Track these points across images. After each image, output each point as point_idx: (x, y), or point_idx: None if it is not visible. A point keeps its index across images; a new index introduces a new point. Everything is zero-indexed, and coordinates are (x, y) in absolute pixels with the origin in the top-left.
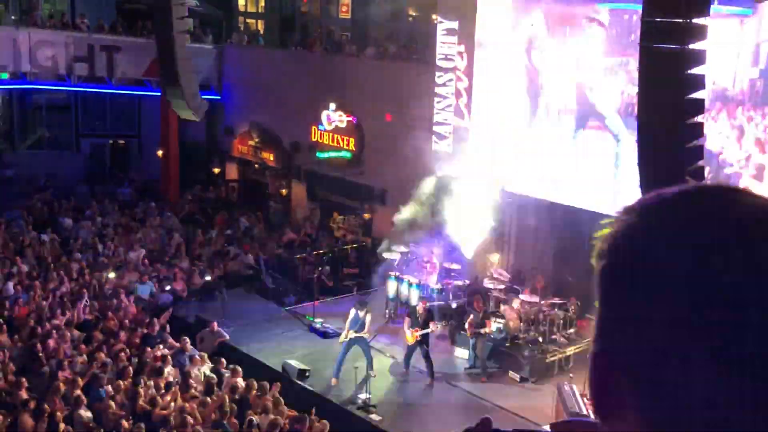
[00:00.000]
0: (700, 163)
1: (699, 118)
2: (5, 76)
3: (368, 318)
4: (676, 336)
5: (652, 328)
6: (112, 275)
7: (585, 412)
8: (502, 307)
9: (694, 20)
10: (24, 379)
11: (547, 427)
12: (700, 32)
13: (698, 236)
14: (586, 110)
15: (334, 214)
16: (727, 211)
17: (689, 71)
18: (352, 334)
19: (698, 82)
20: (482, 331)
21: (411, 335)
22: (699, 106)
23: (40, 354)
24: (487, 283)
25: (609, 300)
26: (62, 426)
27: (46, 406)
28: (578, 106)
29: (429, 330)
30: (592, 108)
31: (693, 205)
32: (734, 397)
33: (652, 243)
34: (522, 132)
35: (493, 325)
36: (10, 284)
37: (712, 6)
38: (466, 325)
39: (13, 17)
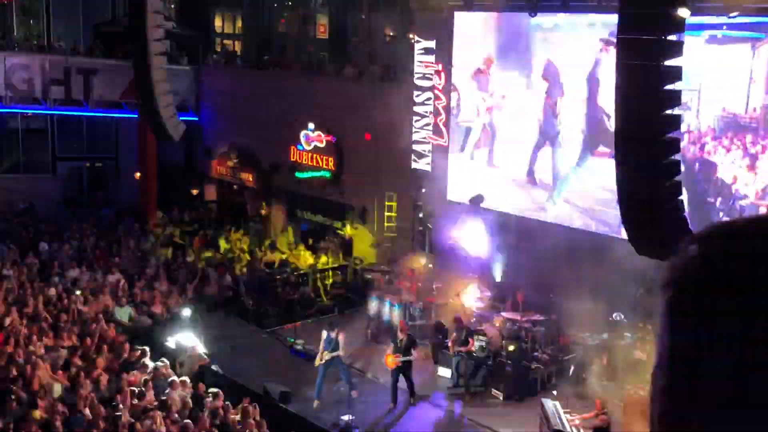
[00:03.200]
0: (677, 178)
1: (674, 134)
2: None
3: (341, 337)
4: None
5: (728, 357)
6: (90, 299)
7: (568, 429)
8: (484, 325)
9: (668, 37)
10: None
11: None
12: (675, 49)
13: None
14: (597, 135)
15: (327, 238)
16: None
17: (665, 87)
18: (327, 355)
19: (674, 98)
20: (465, 349)
21: (391, 360)
22: (675, 122)
23: (16, 380)
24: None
25: (678, 329)
26: None
27: None
28: (589, 131)
29: (410, 357)
30: (606, 133)
31: (759, 234)
32: None
33: (729, 271)
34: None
35: (476, 344)
36: None
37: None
38: (449, 343)
39: None
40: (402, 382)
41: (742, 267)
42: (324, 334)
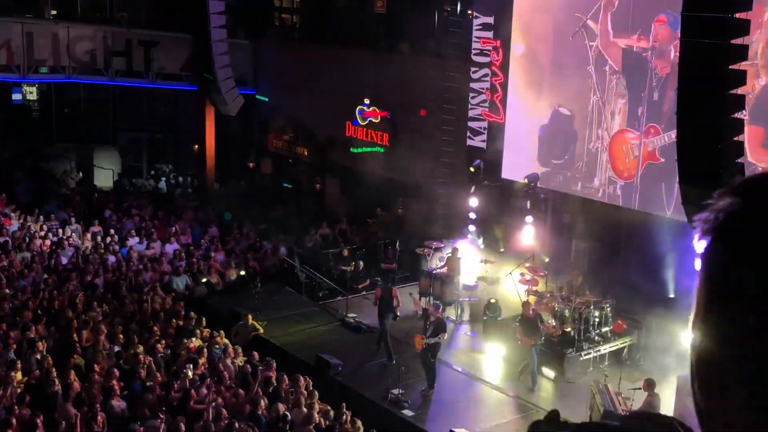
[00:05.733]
0: (740, 160)
1: (739, 114)
2: (45, 70)
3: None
4: None
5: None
6: (148, 268)
7: (619, 411)
8: (535, 304)
9: (736, 15)
10: (60, 369)
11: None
12: (741, 27)
13: None
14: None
15: (378, 210)
16: None
17: (731, 66)
18: (430, 340)
19: (739, 78)
20: (534, 340)
21: (417, 341)
22: (740, 102)
23: (77, 345)
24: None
25: (715, 277)
26: (100, 416)
27: (84, 395)
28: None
29: (436, 340)
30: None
31: None
32: None
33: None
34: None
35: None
36: (44, 276)
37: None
38: (520, 337)
39: (53, 12)
40: (452, 357)
41: None
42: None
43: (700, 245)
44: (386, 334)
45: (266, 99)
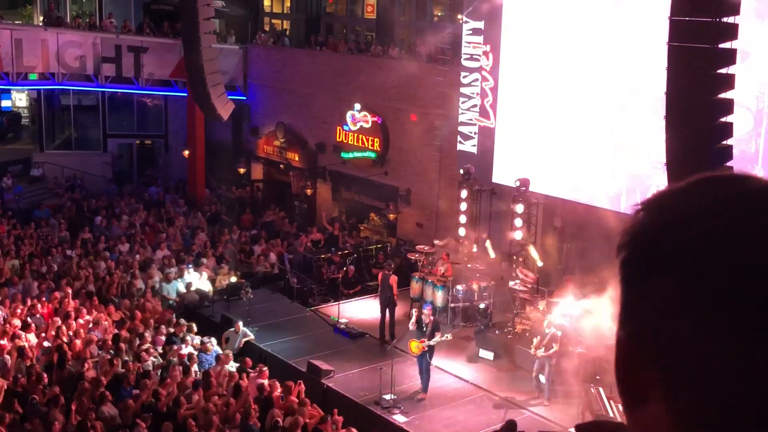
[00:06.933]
0: (729, 163)
1: (728, 118)
2: (34, 76)
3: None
4: (697, 317)
5: (675, 313)
6: (139, 274)
7: (612, 415)
8: (528, 309)
9: (724, 19)
10: (48, 377)
11: (572, 430)
12: (729, 31)
13: (710, 219)
14: None
15: (371, 215)
16: (738, 195)
17: (718, 71)
18: (432, 342)
19: (727, 82)
20: (546, 354)
21: (416, 346)
22: (728, 106)
23: (66, 353)
24: (513, 285)
25: (629, 288)
26: (98, 424)
27: (73, 403)
28: None
29: (434, 342)
30: None
31: (702, 193)
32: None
33: (667, 231)
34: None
35: (518, 326)
36: (35, 283)
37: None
38: (533, 349)
39: (42, 18)
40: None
41: (675, 227)
42: (417, 316)
43: (618, 260)
44: (385, 317)
45: (256, 104)
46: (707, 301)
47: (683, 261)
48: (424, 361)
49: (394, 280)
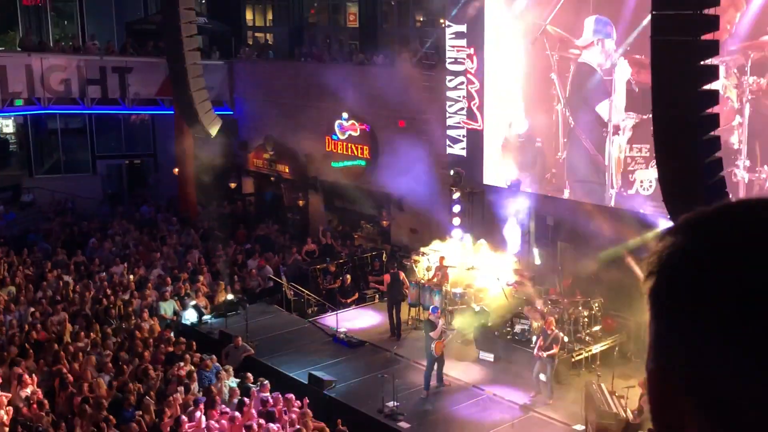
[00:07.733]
0: (718, 154)
1: (713, 110)
2: (20, 102)
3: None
4: (729, 350)
5: (705, 345)
6: (134, 295)
7: (613, 410)
8: (525, 308)
9: (705, 11)
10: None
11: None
12: (711, 23)
13: (744, 251)
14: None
15: (362, 223)
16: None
17: (702, 62)
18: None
19: (711, 74)
20: (548, 354)
21: (438, 347)
22: (713, 98)
23: (67, 377)
24: (509, 285)
25: (661, 317)
26: None
27: (77, 429)
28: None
29: (449, 339)
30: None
31: (734, 221)
32: None
33: (700, 261)
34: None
35: (517, 327)
36: (31, 309)
37: None
38: (536, 349)
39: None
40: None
41: (708, 257)
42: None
43: (646, 286)
44: (395, 316)
45: (244, 118)
46: (754, 334)
47: (729, 293)
48: (441, 361)
49: (402, 275)
